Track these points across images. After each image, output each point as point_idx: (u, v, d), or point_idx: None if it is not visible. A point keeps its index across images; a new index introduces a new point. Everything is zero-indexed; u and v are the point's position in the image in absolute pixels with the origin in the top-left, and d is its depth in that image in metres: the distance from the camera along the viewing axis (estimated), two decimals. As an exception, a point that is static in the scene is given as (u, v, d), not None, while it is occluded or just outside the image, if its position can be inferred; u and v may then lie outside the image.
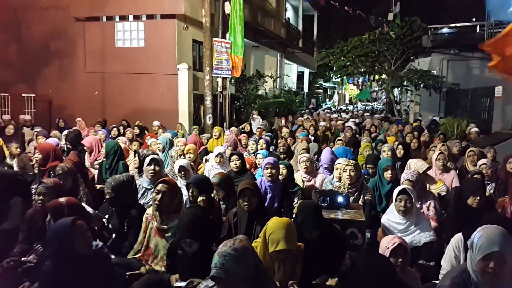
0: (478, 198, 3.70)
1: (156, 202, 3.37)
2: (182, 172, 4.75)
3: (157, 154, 5.41)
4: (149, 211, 3.52)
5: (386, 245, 2.67)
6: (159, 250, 3.36)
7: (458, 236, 3.10)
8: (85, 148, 6.28)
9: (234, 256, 2.05)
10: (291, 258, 2.79)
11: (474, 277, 2.31)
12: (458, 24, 18.55)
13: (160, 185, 3.42)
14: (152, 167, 4.49)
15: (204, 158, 6.73)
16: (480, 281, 2.28)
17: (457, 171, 5.62)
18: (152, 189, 3.69)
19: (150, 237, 3.42)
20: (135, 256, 3.44)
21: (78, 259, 2.60)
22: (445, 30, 18.80)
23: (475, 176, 4.68)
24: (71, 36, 12.89)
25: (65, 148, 6.92)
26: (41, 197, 3.62)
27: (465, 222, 3.54)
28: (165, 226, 3.40)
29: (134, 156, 5.52)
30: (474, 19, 18.54)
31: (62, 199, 3.25)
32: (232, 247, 2.10)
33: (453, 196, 4.71)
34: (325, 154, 5.69)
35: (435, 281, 3.15)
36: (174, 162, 5.70)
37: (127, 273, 3.22)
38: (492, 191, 5.02)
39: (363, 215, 3.81)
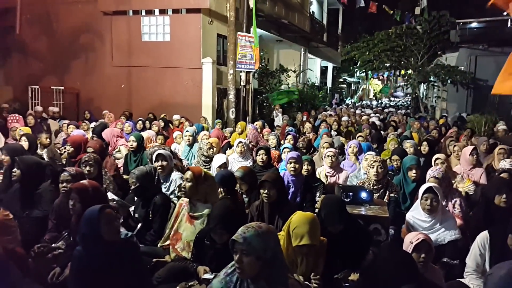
0: (504, 196, 3.63)
1: (183, 189, 3.53)
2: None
3: (168, 149, 5.40)
4: (185, 199, 3.66)
5: (410, 240, 2.66)
6: (188, 235, 3.44)
7: (484, 234, 3.06)
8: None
9: (257, 231, 2.15)
10: (314, 252, 2.82)
11: None
12: (487, 19, 17.97)
13: (188, 173, 3.56)
14: (159, 163, 4.54)
15: (226, 152, 6.80)
16: None
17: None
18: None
19: (182, 223, 3.53)
20: (164, 244, 3.55)
21: (107, 246, 2.68)
22: (473, 24, 18.28)
23: (502, 175, 4.58)
24: (98, 30, 13.13)
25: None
26: (64, 184, 3.70)
27: (491, 221, 3.49)
28: (194, 213, 3.51)
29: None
30: (504, 13, 17.94)
31: (84, 181, 3.36)
32: (258, 224, 2.22)
33: (480, 195, 4.65)
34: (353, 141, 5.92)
35: (459, 279, 3.12)
36: (202, 154, 5.80)
37: (153, 260, 3.32)
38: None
39: (387, 211, 3.79)
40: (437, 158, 5.21)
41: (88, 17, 13.10)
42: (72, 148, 5.16)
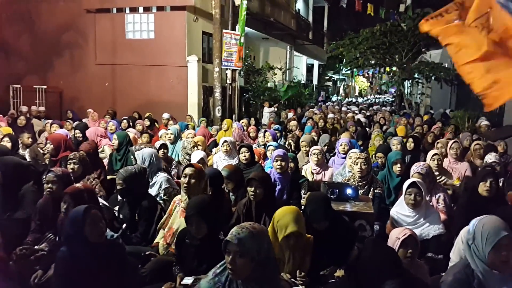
0: (487, 184, 3.66)
1: (185, 185, 3.50)
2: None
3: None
4: (179, 196, 3.65)
5: (397, 236, 2.67)
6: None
7: (467, 228, 3.09)
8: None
9: (251, 231, 2.12)
10: (300, 247, 2.82)
11: (478, 273, 2.30)
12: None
13: (188, 168, 3.55)
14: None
15: (213, 150, 6.77)
16: (491, 274, 2.26)
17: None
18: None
19: (176, 219, 3.52)
20: (154, 243, 3.53)
21: (92, 247, 2.64)
22: (457, 22, 18.49)
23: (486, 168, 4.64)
24: (82, 28, 12.97)
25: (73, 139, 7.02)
26: (49, 185, 3.63)
27: (474, 214, 3.53)
28: None
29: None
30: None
31: (79, 185, 3.30)
32: (252, 225, 2.19)
33: (463, 187, 4.70)
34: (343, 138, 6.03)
35: (444, 274, 3.15)
36: (186, 153, 5.76)
37: (146, 253, 3.29)
38: (500, 185, 4.98)
39: (372, 207, 3.82)
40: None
41: (71, 15, 12.92)
42: (52, 146, 5.08)
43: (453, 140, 5.48)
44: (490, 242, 2.24)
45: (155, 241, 3.54)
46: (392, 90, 43.67)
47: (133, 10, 12.48)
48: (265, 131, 7.43)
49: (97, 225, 2.67)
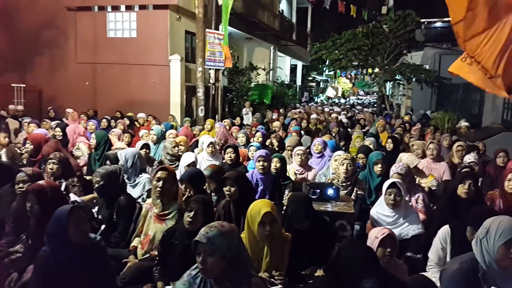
0: (466, 186, 3.71)
1: (158, 189, 3.42)
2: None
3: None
4: (149, 200, 3.58)
5: (375, 235, 2.70)
6: (158, 236, 3.38)
7: (445, 228, 3.15)
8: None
9: (219, 229, 2.14)
10: (277, 238, 2.82)
11: (484, 266, 2.39)
12: (451, 18, 18.49)
13: (160, 172, 3.47)
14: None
15: (195, 150, 6.72)
16: (494, 269, 2.36)
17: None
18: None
19: (150, 225, 3.47)
20: (131, 246, 3.47)
21: (74, 247, 2.60)
22: (438, 24, 18.86)
23: (464, 169, 4.73)
24: (62, 25, 12.74)
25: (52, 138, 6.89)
26: (20, 185, 3.56)
27: (453, 215, 3.59)
28: (166, 212, 3.45)
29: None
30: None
31: (42, 182, 3.24)
32: (220, 223, 2.22)
33: (443, 188, 4.79)
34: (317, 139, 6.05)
35: (423, 273, 3.19)
36: (167, 153, 5.70)
37: (124, 260, 3.26)
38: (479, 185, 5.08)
39: (352, 207, 3.84)
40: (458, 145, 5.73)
41: (51, 12, 12.68)
42: (32, 146, 4.97)
43: (430, 141, 5.57)
44: (504, 238, 2.32)
45: (132, 245, 3.49)
46: (362, 92, 44.27)
47: (115, 8, 12.32)
48: (257, 131, 7.36)
49: (80, 225, 2.63)
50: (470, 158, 5.28)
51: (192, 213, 2.93)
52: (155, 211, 3.47)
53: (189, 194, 3.76)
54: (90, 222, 3.51)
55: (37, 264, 2.62)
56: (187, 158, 4.91)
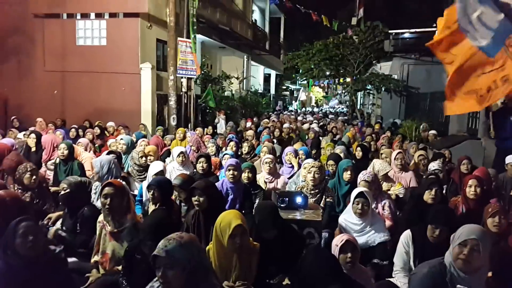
0: (433, 192, 3.86)
1: (106, 206, 3.24)
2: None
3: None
4: (101, 217, 3.40)
5: (335, 243, 2.76)
6: (117, 253, 3.27)
7: (407, 232, 3.24)
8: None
9: (178, 242, 2.11)
10: (247, 250, 2.81)
11: (450, 268, 2.49)
12: (418, 30, 19.10)
13: (107, 188, 3.28)
14: None
15: (166, 160, 6.64)
16: (454, 269, 2.46)
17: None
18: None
19: (106, 243, 3.33)
20: (93, 260, 3.36)
21: (26, 261, 2.50)
22: (406, 35, 19.36)
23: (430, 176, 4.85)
24: (29, 33, 12.40)
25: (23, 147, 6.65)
26: None
27: (418, 221, 3.67)
28: (118, 229, 3.30)
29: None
30: (434, 25, 19.16)
31: (1, 192, 3.15)
32: (179, 235, 2.18)
33: (409, 195, 4.90)
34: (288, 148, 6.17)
35: (389, 279, 3.24)
36: (135, 163, 5.60)
37: (87, 275, 3.16)
38: (444, 192, 5.22)
39: (320, 215, 3.88)
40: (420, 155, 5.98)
41: (17, 19, 12.31)
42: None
43: (397, 151, 5.70)
44: (459, 239, 2.45)
45: (93, 260, 3.36)
46: (331, 103, 45.21)
47: (85, 16, 12.11)
48: (230, 140, 7.35)
49: (26, 237, 2.52)
50: (434, 165, 5.43)
51: None
52: (108, 229, 3.31)
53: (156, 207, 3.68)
54: (44, 234, 3.42)
55: None
56: (155, 167, 4.83)
